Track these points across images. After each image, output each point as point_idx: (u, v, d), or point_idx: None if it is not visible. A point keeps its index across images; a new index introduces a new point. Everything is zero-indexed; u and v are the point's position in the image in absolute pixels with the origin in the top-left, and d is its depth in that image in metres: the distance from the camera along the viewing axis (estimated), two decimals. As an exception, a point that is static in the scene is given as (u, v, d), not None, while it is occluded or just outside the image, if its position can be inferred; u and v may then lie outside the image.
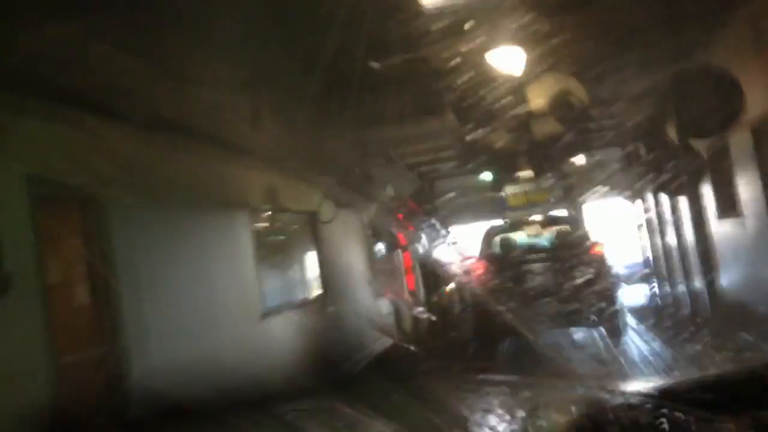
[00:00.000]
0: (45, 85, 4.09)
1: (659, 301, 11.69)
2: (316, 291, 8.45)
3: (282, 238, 7.82)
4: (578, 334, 8.81)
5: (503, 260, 10.08)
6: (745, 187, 7.08)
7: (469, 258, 11.55)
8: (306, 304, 8.11)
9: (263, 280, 6.91)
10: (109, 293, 4.59)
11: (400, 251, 11.06)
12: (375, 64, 5.95)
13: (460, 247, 11.60)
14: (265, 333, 6.75)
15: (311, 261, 8.59)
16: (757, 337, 5.57)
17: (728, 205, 7.61)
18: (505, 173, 10.94)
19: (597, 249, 10.13)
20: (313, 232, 8.49)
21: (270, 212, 7.44)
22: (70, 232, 4.58)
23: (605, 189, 12.04)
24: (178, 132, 5.45)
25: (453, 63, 5.96)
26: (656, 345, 8.34)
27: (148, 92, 4.88)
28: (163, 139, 5.29)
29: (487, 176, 11.41)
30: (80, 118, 4.39)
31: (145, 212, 5.05)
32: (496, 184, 11.65)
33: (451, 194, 11.91)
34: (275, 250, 7.47)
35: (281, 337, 7.08)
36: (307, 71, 5.95)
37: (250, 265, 6.64)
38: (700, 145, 7.70)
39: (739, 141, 6.79)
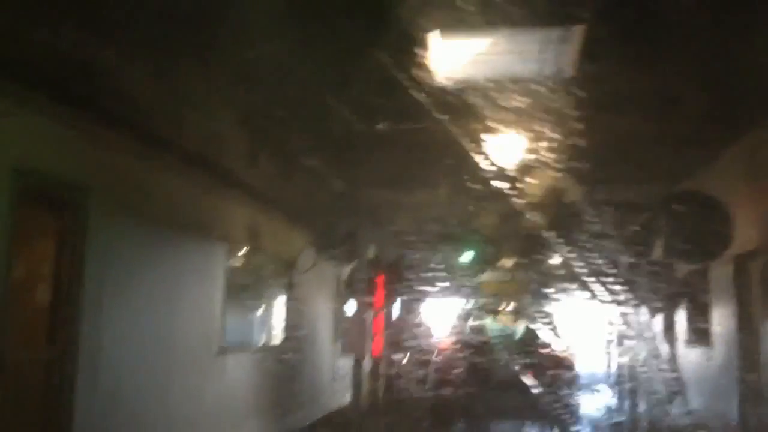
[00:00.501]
0: (47, 81, 4.11)
1: (615, 416, 11.56)
2: (279, 337, 8.32)
3: (254, 278, 7.73)
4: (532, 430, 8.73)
5: (472, 344, 10.04)
6: (719, 318, 7.09)
7: (437, 334, 11.48)
8: (266, 348, 7.98)
9: (227, 317, 6.80)
10: (71, 298, 4.46)
11: (372, 314, 10.97)
12: (381, 126, 6.01)
13: (430, 320, 11.55)
14: (219, 370, 6.60)
15: (280, 307, 8.49)
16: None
17: (699, 334, 7.61)
18: (487, 258, 10.96)
19: (564, 352, 10.11)
20: (287, 278, 8.41)
21: (248, 251, 7.37)
22: (45, 230, 4.49)
23: (583, 293, 12.05)
24: (172, 152, 5.44)
25: (455, 139, 6.02)
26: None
27: (150, 107, 4.89)
28: (155, 156, 5.27)
29: (467, 257, 11.42)
30: (76, 118, 4.35)
31: (124, 225, 4.98)
32: (476, 267, 11.65)
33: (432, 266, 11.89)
34: (245, 290, 7.38)
35: (235, 377, 6.94)
36: (312, 121, 6.03)
37: (216, 300, 6.53)
38: (682, 269, 7.75)
39: (720, 271, 6.84)
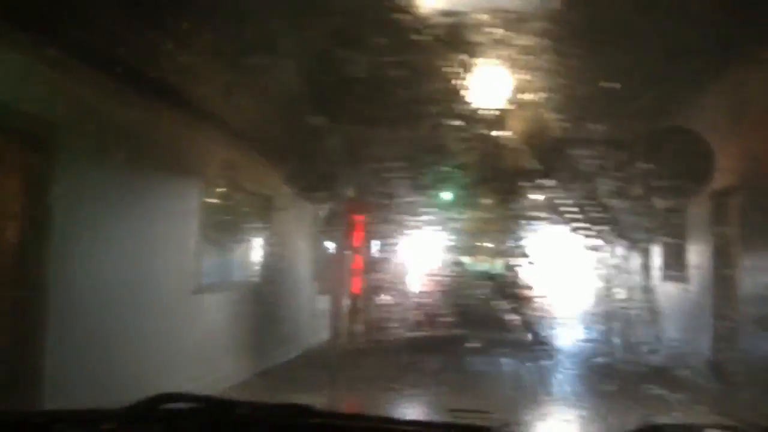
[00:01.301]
0: (12, 9, 3.92)
1: (594, 351, 11.80)
2: (257, 275, 8.29)
3: (231, 216, 7.64)
4: (508, 365, 8.87)
5: (451, 281, 10.14)
6: (694, 254, 7.18)
7: (417, 272, 11.55)
8: (244, 286, 7.95)
9: (204, 256, 6.74)
10: (40, 237, 4.36)
11: (351, 252, 10.97)
12: (361, 59, 5.87)
13: (409, 257, 11.60)
14: (196, 308, 6.58)
15: (257, 245, 8.43)
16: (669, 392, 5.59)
17: (675, 268, 7.71)
18: (468, 196, 10.94)
19: (543, 289, 10.24)
20: (265, 217, 8.33)
21: (224, 189, 7.26)
22: (14, 167, 4.35)
23: (563, 230, 12.14)
24: (143, 86, 5.28)
25: (437, 73, 5.91)
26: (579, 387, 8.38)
27: (120, 38, 4.71)
28: (127, 90, 5.10)
29: (448, 195, 11.39)
30: (43, 51, 4.16)
31: (94, 162, 4.86)
32: (457, 205, 11.64)
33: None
34: (222, 228, 7.29)
35: (212, 315, 6.92)
36: (291, 56, 5.87)
37: (192, 238, 6.46)
38: (662, 205, 7.79)
39: (699, 207, 6.89)
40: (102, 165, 4.96)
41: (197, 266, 6.58)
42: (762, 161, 5.70)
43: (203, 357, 6.53)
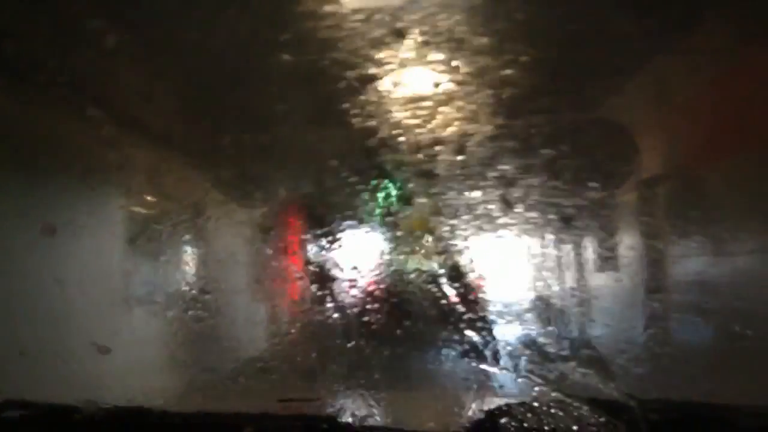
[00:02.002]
0: None
1: (534, 339, 12.01)
2: (190, 285, 8.10)
3: (160, 226, 7.46)
4: (451, 361, 8.92)
5: (391, 281, 10.13)
6: (624, 245, 7.34)
7: (356, 274, 11.50)
8: (177, 297, 7.76)
9: (131, 267, 6.57)
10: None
11: (288, 255, 10.85)
12: (286, 57, 5.80)
13: (348, 259, 11.53)
14: (124, 322, 6.41)
15: (190, 254, 8.24)
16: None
17: (606, 259, 7.86)
18: (403, 195, 10.96)
19: (481, 283, 10.31)
20: (196, 224, 8.16)
21: (149, 197, 7.09)
22: None
23: (497, 223, 12.30)
24: (58, 92, 5.11)
25: (368, 72, 5.89)
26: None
27: (30, 43, 4.56)
28: (39, 96, 4.94)
29: (382, 194, 11.37)
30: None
31: (6, 172, 4.68)
32: (393, 204, 11.65)
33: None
34: (150, 238, 7.12)
35: (143, 329, 6.75)
36: (214, 57, 5.75)
37: (117, 250, 6.29)
38: (590, 196, 7.93)
39: (627, 197, 7.04)
40: (14, 175, 4.79)
41: (124, 278, 6.42)
42: (686, 150, 5.87)
43: (136, 371, 6.36)
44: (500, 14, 4.96)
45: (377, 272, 10.62)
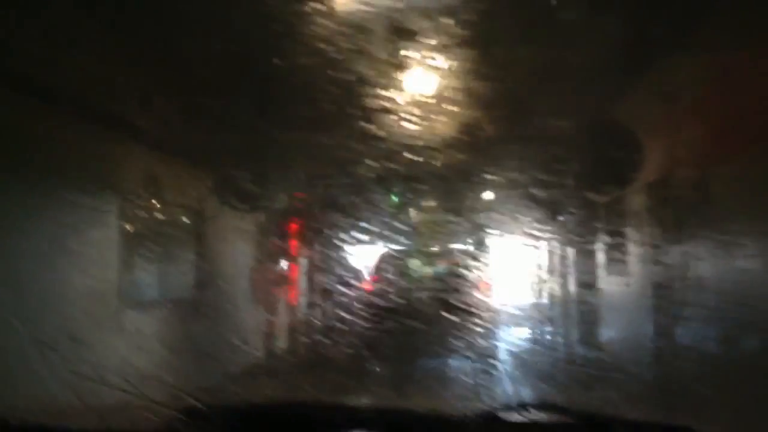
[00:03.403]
0: None
1: (538, 347, 12.03)
2: (190, 291, 8.18)
3: (157, 230, 7.54)
4: (455, 363, 8.98)
5: (395, 285, 10.19)
6: (634, 248, 7.38)
7: (358, 278, 11.55)
8: (176, 303, 7.84)
9: (132, 273, 6.65)
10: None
11: (288, 262, 10.92)
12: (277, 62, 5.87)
13: (350, 264, 11.59)
14: (122, 327, 6.47)
15: (189, 260, 8.33)
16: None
17: (616, 263, 7.91)
18: (406, 199, 11.03)
19: (485, 287, 10.37)
20: (194, 229, 8.24)
21: (147, 202, 7.17)
22: None
23: (503, 229, 12.34)
24: (52, 99, 5.20)
25: (361, 75, 5.95)
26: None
27: (23, 51, 4.63)
28: (34, 104, 5.02)
29: (386, 199, 11.45)
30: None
31: (3, 178, 4.77)
32: (396, 208, 11.72)
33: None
34: (147, 243, 7.20)
35: (141, 334, 6.80)
36: (212, 58, 5.82)
37: (115, 254, 6.37)
38: (598, 200, 7.99)
39: (634, 200, 7.09)
40: (11, 181, 4.87)
41: (124, 283, 6.49)
42: (692, 151, 5.91)
43: (133, 377, 6.41)
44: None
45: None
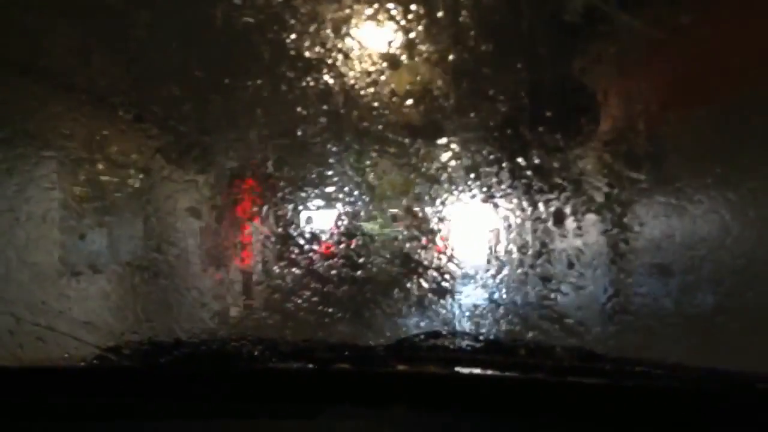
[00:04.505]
0: None
1: (499, 309, 12.20)
2: (138, 254, 8.08)
3: (104, 192, 7.42)
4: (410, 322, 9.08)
5: (352, 247, 10.20)
6: (588, 205, 7.49)
7: (314, 240, 11.53)
8: (125, 266, 7.74)
9: (76, 236, 6.55)
10: None
11: (240, 223, 10.83)
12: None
13: (303, 225, 11.57)
14: (71, 292, 6.40)
15: (137, 222, 8.21)
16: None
17: (571, 220, 8.03)
18: (363, 161, 10.99)
19: (447, 249, 10.44)
20: (141, 190, 8.11)
21: (94, 161, 7.03)
22: None
23: (464, 189, 12.40)
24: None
25: (316, 30, 5.89)
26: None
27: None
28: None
29: (340, 158, 11.40)
30: None
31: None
32: (351, 168, 11.68)
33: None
34: (93, 205, 7.08)
35: (91, 299, 6.74)
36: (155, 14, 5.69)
37: (55, 219, 6.25)
38: (556, 157, 8.07)
39: (588, 159, 7.18)
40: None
41: (68, 247, 6.40)
42: (650, 105, 6.00)
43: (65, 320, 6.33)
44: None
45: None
